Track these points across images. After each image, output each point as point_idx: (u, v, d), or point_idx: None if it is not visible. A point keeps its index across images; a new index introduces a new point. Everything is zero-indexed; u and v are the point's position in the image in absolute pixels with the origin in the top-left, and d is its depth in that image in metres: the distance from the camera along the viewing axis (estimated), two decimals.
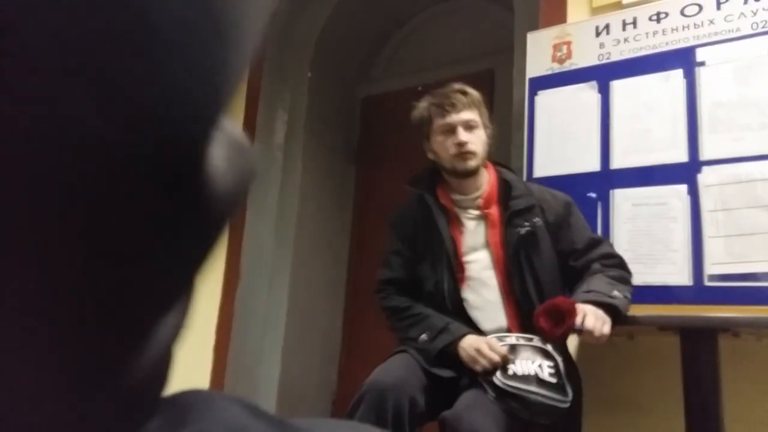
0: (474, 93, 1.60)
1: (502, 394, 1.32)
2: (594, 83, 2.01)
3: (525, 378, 1.33)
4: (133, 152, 0.16)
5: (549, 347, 1.39)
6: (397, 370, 1.41)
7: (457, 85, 1.61)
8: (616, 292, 1.38)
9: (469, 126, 1.55)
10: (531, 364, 1.35)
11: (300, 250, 2.94)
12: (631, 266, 1.66)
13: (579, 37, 2.09)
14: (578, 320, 1.28)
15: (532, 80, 2.14)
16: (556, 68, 2.11)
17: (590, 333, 1.28)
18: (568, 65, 2.09)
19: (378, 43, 3.48)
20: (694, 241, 1.71)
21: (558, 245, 1.54)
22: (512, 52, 2.42)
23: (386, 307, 1.62)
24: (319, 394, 3.02)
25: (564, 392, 1.32)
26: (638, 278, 1.64)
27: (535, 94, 2.12)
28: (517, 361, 1.35)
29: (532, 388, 1.31)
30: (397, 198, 3.15)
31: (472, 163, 1.55)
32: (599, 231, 1.83)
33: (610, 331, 1.31)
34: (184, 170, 0.18)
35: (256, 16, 0.19)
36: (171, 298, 0.20)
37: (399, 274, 1.62)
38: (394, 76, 3.38)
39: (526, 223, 1.51)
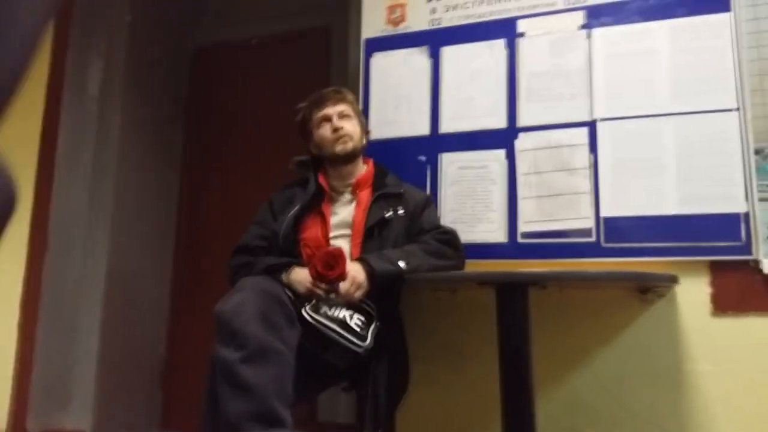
0: (346, 91, 1.83)
1: (305, 325, 1.43)
2: (425, 48, 2.06)
3: (331, 318, 1.46)
4: None
5: (371, 308, 1.52)
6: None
7: (331, 87, 1.85)
8: (401, 262, 1.54)
9: (342, 115, 1.76)
10: (344, 311, 1.48)
11: (119, 213, 2.69)
12: (456, 226, 1.78)
13: (412, 0, 2.11)
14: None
15: (368, 41, 2.14)
16: (390, 30, 2.12)
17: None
18: (403, 28, 2.11)
19: None
20: (510, 202, 1.85)
21: (412, 229, 1.70)
22: (348, 9, 2.39)
23: (231, 266, 1.72)
24: (147, 366, 2.85)
25: (362, 339, 1.45)
26: (462, 237, 1.75)
27: (371, 55, 2.12)
28: (334, 306, 1.48)
29: (333, 326, 1.44)
30: (228, 157, 3.06)
31: (350, 144, 1.73)
32: (428, 191, 1.91)
33: (362, 296, 1.50)
34: None
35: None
36: None
37: (253, 242, 1.73)
38: (227, 26, 3.18)
39: (391, 209, 1.69)
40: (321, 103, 1.77)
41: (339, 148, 1.72)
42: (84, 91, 2.70)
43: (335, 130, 1.72)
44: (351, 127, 1.75)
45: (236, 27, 3.15)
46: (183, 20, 3.18)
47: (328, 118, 1.75)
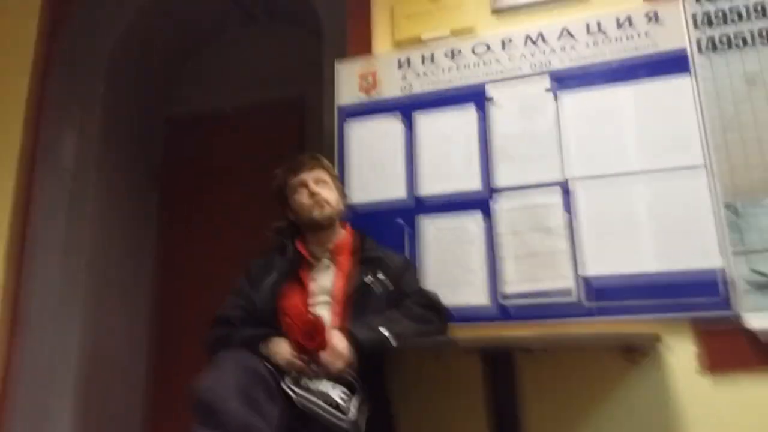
0: (323, 158, 1.84)
1: (286, 399, 1.40)
2: (398, 114, 2.10)
3: (312, 391, 1.42)
4: None
5: (354, 378, 1.48)
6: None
7: (308, 154, 1.86)
8: (384, 329, 1.51)
9: (319, 180, 1.76)
10: (326, 383, 1.44)
11: (93, 288, 2.62)
12: (438, 290, 1.77)
13: (383, 68, 2.17)
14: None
15: (341, 108, 2.18)
16: (364, 98, 2.16)
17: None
18: (375, 95, 2.16)
19: (182, 62, 3.28)
20: (490, 263, 1.85)
21: (393, 294, 1.67)
22: (322, 79, 2.44)
23: (209, 339, 1.68)
24: None
25: (345, 413, 1.40)
26: (445, 300, 1.74)
27: (345, 122, 2.16)
28: (316, 379, 1.45)
29: (315, 399, 1.40)
30: (204, 227, 3.03)
31: (327, 210, 1.73)
32: (408, 255, 1.91)
33: (343, 366, 1.46)
34: None
35: None
36: None
37: (232, 312, 1.69)
38: (202, 98, 3.21)
39: (371, 274, 1.67)
40: (297, 168, 1.77)
41: (316, 213, 1.72)
42: (58, 164, 2.67)
43: (312, 195, 1.73)
44: (328, 192, 1.76)
45: (210, 96, 3.18)
46: (157, 90, 3.21)
47: (304, 184, 1.74)
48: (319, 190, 1.74)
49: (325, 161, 1.84)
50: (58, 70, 2.73)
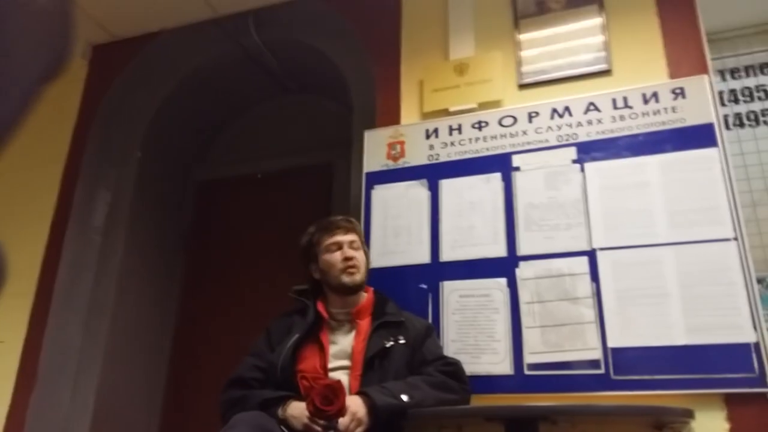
0: (356, 222, 1.86)
1: None
2: (424, 181, 2.13)
3: None
4: None
5: None
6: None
7: (341, 216, 1.87)
8: (404, 395, 1.48)
9: (353, 246, 1.76)
10: None
11: (113, 348, 2.61)
12: (460, 356, 1.73)
13: (411, 137, 2.22)
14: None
15: (369, 175, 2.22)
16: (391, 165, 2.21)
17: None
18: (402, 163, 2.20)
19: (216, 128, 3.42)
20: (514, 331, 1.81)
21: (413, 359, 1.65)
22: (350, 147, 2.51)
23: (223, 400, 1.64)
24: None
25: None
26: (467, 368, 1.70)
27: (372, 188, 2.19)
28: None
29: None
30: (229, 289, 3.04)
31: (358, 277, 1.72)
32: (431, 320, 1.88)
33: (364, 430, 1.43)
34: None
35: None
36: None
37: (248, 374, 1.67)
38: (233, 162, 3.32)
39: (392, 338, 1.65)
40: (332, 229, 1.78)
41: (347, 279, 1.71)
42: (88, 223, 2.74)
43: (346, 258, 1.72)
44: (360, 257, 1.76)
45: (241, 162, 3.28)
46: (190, 155, 3.32)
47: (339, 246, 1.75)
48: (353, 254, 1.74)
49: (359, 226, 1.85)
50: (97, 133, 2.85)
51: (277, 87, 3.25)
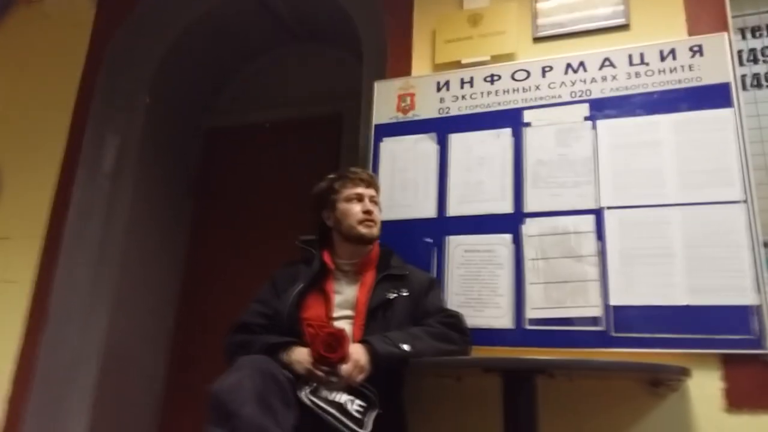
0: (377, 178, 1.90)
1: (303, 408, 1.40)
2: (434, 135, 2.11)
3: (330, 402, 1.43)
4: None
5: (372, 393, 1.47)
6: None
7: (361, 169, 1.88)
8: (405, 345, 1.50)
9: (373, 200, 1.79)
10: (344, 395, 1.44)
11: (122, 290, 2.67)
12: (462, 310, 1.75)
13: (422, 90, 2.19)
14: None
15: (378, 127, 2.20)
16: (400, 117, 2.18)
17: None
18: (411, 116, 2.17)
19: (225, 76, 3.38)
20: (517, 287, 1.83)
21: (416, 311, 1.67)
22: (360, 98, 2.48)
23: (227, 344, 1.68)
24: None
25: (361, 426, 1.40)
26: (469, 321, 1.72)
27: (380, 140, 2.17)
28: (334, 390, 1.45)
29: (332, 410, 1.40)
30: (235, 237, 3.07)
31: (375, 230, 1.75)
32: (435, 274, 1.90)
33: (363, 379, 1.46)
34: None
35: None
36: None
37: (253, 319, 1.69)
38: (241, 111, 3.30)
39: (394, 290, 1.67)
40: (355, 180, 1.80)
41: (365, 230, 1.73)
42: (98, 167, 2.75)
43: (366, 212, 1.75)
44: (377, 213, 1.79)
45: (249, 111, 3.26)
46: (199, 102, 3.30)
47: (360, 198, 1.77)
48: (373, 209, 1.77)
49: (378, 182, 1.88)
50: (105, 78, 2.83)
51: (287, 34, 3.20)
